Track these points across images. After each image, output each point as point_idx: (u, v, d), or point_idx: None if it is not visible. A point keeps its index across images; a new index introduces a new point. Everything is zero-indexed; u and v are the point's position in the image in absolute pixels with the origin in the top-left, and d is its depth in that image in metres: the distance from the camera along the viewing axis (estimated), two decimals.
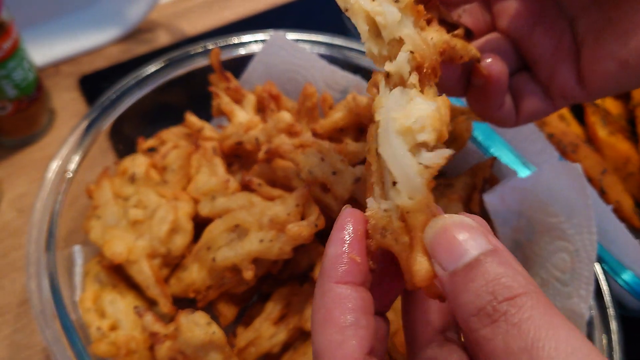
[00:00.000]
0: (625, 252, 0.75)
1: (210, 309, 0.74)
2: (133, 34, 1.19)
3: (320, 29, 0.98)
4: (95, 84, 1.11)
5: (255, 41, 0.94)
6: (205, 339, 0.59)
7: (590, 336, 0.70)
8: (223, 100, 0.83)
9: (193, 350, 0.60)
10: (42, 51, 1.13)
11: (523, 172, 0.80)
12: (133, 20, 1.17)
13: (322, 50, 0.94)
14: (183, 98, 0.97)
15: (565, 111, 0.97)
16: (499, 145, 0.84)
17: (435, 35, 0.52)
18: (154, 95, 0.93)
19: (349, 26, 1.10)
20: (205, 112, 0.91)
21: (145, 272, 0.70)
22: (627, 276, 0.76)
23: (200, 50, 0.93)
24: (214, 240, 0.71)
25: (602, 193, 0.86)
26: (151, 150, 0.88)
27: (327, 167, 0.72)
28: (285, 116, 0.77)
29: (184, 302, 0.74)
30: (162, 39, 1.20)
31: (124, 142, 0.92)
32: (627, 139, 0.93)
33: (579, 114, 0.98)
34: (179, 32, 1.21)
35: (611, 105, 0.98)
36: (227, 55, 0.96)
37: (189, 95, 0.97)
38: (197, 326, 0.59)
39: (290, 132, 0.77)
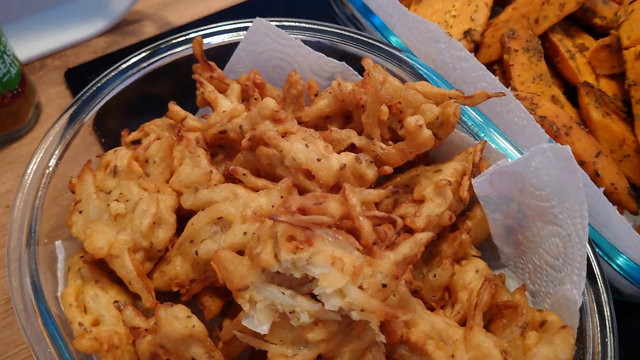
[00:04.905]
0: (618, 235, 0.74)
1: (195, 302, 0.73)
2: (119, 26, 1.17)
3: (308, 17, 0.96)
4: (81, 77, 1.10)
5: (239, 29, 0.92)
6: (185, 332, 0.58)
7: (583, 322, 0.68)
8: (206, 89, 0.82)
9: (173, 344, 0.59)
10: (27, 46, 1.11)
11: (514, 157, 0.78)
12: (119, 12, 1.15)
13: (308, 36, 0.92)
14: (169, 90, 0.96)
15: (559, 93, 0.95)
16: (490, 130, 0.82)
17: None
18: (139, 87, 0.91)
19: (337, 12, 1.08)
20: (191, 104, 0.89)
21: (127, 266, 0.68)
22: (621, 260, 0.74)
23: (182, 39, 0.91)
24: (197, 233, 0.70)
25: (596, 176, 0.84)
26: (136, 142, 0.87)
27: (311, 153, 0.71)
28: (270, 102, 0.75)
29: (168, 296, 0.73)
30: (149, 30, 1.18)
31: (109, 135, 0.90)
32: (622, 120, 0.91)
33: (573, 96, 0.96)
34: (166, 23, 1.19)
35: (606, 85, 0.95)
36: (210, 44, 0.94)
37: (174, 87, 0.96)
38: (176, 320, 0.58)
39: (275, 119, 0.75)
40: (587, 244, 0.69)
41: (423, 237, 0.61)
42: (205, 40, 0.92)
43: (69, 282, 0.72)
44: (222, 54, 0.94)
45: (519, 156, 0.78)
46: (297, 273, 0.58)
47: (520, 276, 0.81)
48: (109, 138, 0.89)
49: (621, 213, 0.90)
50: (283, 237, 0.58)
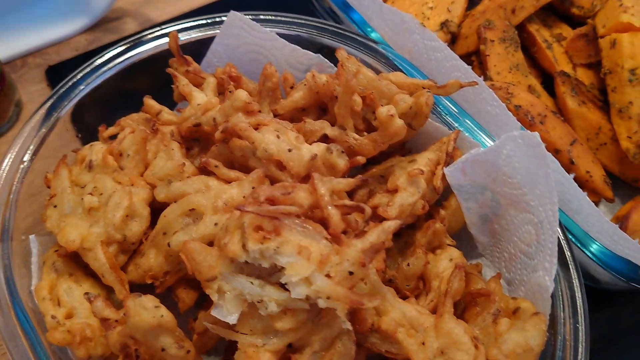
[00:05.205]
0: (589, 221, 0.74)
1: (169, 294, 0.73)
2: (100, 23, 1.17)
3: (288, 11, 0.96)
4: (62, 75, 1.09)
5: (216, 23, 0.92)
6: (153, 322, 0.58)
7: (554, 308, 0.68)
8: (180, 82, 0.82)
9: (142, 335, 0.59)
10: (8, 44, 1.11)
11: (487, 146, 0.78)
12: (100, 10, 1.16)
13: (285, 29, 0.92)
14: (148, 84, 0.95)
15: (535, 82, 0.95)
16: (465, 120, 0.82)
17: None
18: (118, 82, 0.91)
19: (317, 6, 1.08)
20: (171, 98, 0.89)
21: (99, 259, 0.68)
22: (595, 247, 0.74)
23: (158, 33, 0.91)
24: (170, 225, 0.70)
25: (571, 164, 0.84)
26: (113, 138, 0.87)
27: (282, 144, 0.71)
28: (242, 95, 0.75)
29: (143, 289, 0.73)
30: (130, 27, 1.18)
31: (88, 130, 0.90)
32: (598, 109, 0.91)
33: (551, 85, 0.96)
34: (147, 20, 1.19)
35: (583, 74, 0.95)
36: (188, 38, 0.94)
37: (154, 82, 0.96)
38: (144, 310, 0.58)
39: (247, 111, 0.75)
40: (559, 230, 0.69)
41: (391, 225, 0.62)
42: (184, 35, 0.93)
43: (43, 275, 0.72)
44: (200, 48, 0.95)
45: (492, 144, 0.78)
46: (266, 263, 0.58)
47: (496, 265, 0.82)
48: (87, 133, 0.90)
49: (598, 201, 0.91)
50: (250, 227, 0.59)
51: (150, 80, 0.95)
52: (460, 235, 0.85)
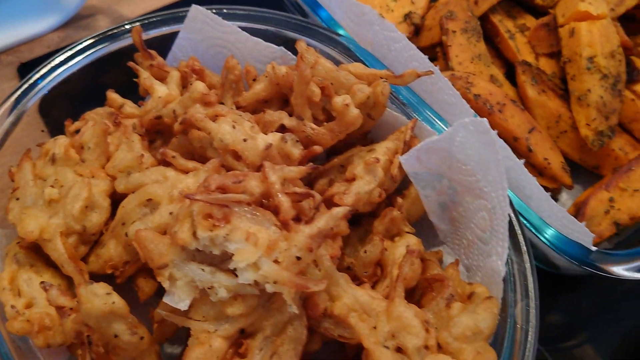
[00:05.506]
0: (541, 206, 0.75)
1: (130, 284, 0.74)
2: (73, 20, 1.18)
3: (261, 6, 0.96)
4: None
5: (182, 17, 0.93)
6: (104, 309, 0.59)
7: (507, 292, 0.69)
8: (142, 76, 0.83)
9: (95, 321, 0.60)
10: None
11: None
12: (72, 7, 1.17)
13: (249, 23, 0.93)
14: (118, 79, 0.96)
15: (497, 72, 0.96)
16: (425, 110, 0.83)
17: None
18: (86, 77, 0.93)
19: (285, 1, 1.09)
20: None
21: (58, 249, 0.70)
22: (550, 233, 0.76)
23: (126, 27, 0.92)
24: (128, 215, 0.71)
25: (529, 151, 0.85)
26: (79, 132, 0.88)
27: (237, 134, 0.72)
28: (199, 86, 0.76)
29: (105, 279, 0.74)
30: (102, 23, 1.19)
31: (57, 125, 0.91)
32: (559, 97, 0.92)
33: (514, 75, 0.97)
34: (120, 16, 1.20)
35: (545, 64, 0.97)
36: (158, 32, 0.95)
37: (123, 76, 0.96)
38: (96, 297, 0.59)
39: (204, 102, 0.76)
40: (512, 215, 0.71)
41: (339, 211, 0.63)
42: (153, 29, 0.94)
43: (5, 267, 0.73)
44: (168, 43, 0.96)
45: None
46: (216, 250, 0.59)
47: (456, 252, 0.83)
48: (55, 128, 0.91)
49: (559, 188, 0.92)
50: (199, 215, 0.60)
51: (120, 74, 0.96)
52: (422, 223, 0.86)
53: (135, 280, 0.74)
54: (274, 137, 0.73)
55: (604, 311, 0.92)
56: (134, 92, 0.90)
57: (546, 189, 0.91)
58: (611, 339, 0.90)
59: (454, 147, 0.73)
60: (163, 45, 0.96)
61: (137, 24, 0.92)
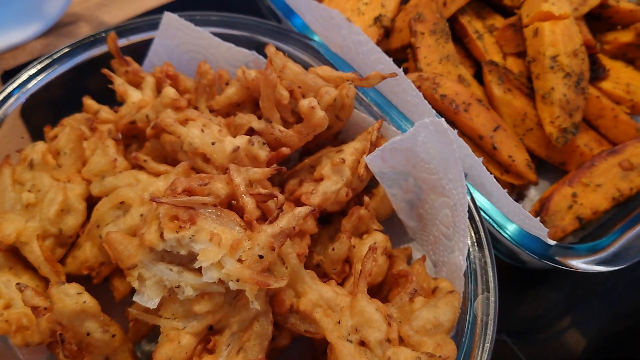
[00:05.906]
0: (500, 202, 0.77)
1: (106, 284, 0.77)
2: (55, 28, 1.20)
3: (240, 11, 0.98)
4: None
5: (155, 24, 0.95)
6: (76, 308, 0.61)
7: (468, 286, 0.72)
8: (116, 82, 0.85)
9: (68, 320, 0.63)
10: None
11: None
12: (54, 15, 1.19)
13: (221, 28, 0.95)
14: (97, 85, 0.99)
15: (466, 72, 0.98)
16: (391, 111, 0.85)
17: None
18: (67, 83, 0.95)
19: (261, 6, 1.12)
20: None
21: (35, 252, 0.72)
22: (511, 228, 0.78)
23: (102, 36, 0.94)
24: (102, 217, 0.74)
25: (494, 149, 0.88)
26: None
27: (206, 137, 0.75)
28: (169, 92, 0.79)
29: (83, 281, 0.76)
30: (84, 30, 1.21)
31: (38, 131, 0.94)
32: (525, 96, 0.94)
33: (482, 75, 0.99)
34: (101, 23, 1.22)
35: (513, 63, 0.99)
36: (135, 39, 0.97)
37: (103, 83, 0.99)
38: (67, 296, 0.62)
39: (175, 107, 0.79)
40: (474, 211, 0.73)
41: (302, 211, 0.65)
42: (132, 36, 0.96)
43: None
44: (145, 49, 0.98)
45: None
46: (183, 250, 0.62)
47: (425, 248, 0.85)
48: (35, 134, 0.93)
49: (526, 184, 0.94)
50: (166, 217, 0.62)
51: (100, 81, 0.98)
52: (393, 221, 0.88)
53: (111, 281, 0.77)
54: (241, 140, 0.75)
55: (572, 305, 0.94)
56: (113, 98, 0.92)
57: (513, 185, 0.94)
58: (579, 333, 0.92)
59: (417, 146, 0.76)
60: (143, 51, 0.98)
61: (113, 31, 0.95)
